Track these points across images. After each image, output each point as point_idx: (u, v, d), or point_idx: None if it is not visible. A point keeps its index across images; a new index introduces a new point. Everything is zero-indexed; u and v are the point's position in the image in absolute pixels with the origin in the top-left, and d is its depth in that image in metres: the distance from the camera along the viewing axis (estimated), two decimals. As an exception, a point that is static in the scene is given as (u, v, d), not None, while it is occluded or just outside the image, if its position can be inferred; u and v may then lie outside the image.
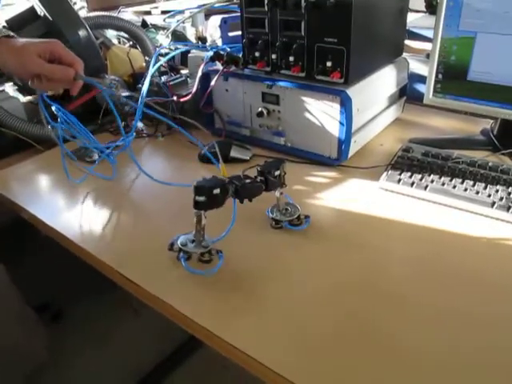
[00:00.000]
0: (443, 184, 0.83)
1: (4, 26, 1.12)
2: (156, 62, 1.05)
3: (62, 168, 0.99)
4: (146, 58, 1.28)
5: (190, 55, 1.17)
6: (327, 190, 0.86)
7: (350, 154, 0.93)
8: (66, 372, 1.33)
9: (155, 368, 1.37)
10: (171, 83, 1.11)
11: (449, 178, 0.84)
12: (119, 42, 1.46)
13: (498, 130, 0.99)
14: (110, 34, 1.42)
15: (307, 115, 0.92)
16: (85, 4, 1.59)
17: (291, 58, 0.90)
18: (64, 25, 1.13)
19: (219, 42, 1.18)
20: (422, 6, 1.50)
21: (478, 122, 1.08)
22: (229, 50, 1.08)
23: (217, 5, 0.92)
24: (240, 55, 0.98)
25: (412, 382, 0.51)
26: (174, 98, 1.02)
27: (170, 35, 1.31)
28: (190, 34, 1.32)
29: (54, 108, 0.92)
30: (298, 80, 0.91)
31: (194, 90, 0.98)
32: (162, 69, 1.27)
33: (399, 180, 0.84)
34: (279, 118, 0.96)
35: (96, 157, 0.99)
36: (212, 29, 1.19)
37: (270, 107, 0.96)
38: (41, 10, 1.12)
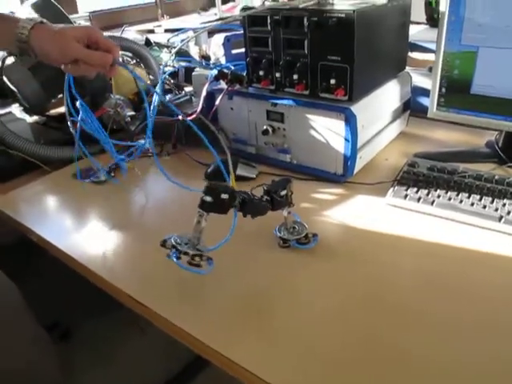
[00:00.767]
0: (450, 199, 0.83)
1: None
2: (162, 80, 1.06)
3: (69, 188, 1.00)
4: (151, 77, 1.29)
5: (194, 73, 1.18)
6: (334, 206, 0.86)
7: (356, 169, 0.93)
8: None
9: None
10: (176, 102, 1.13)
11: (455, 193, 0.84)
12: (123, 61, 1.47)
13: (503, 142, 0.99)
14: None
15: (312, 132, 0.92)
16: (89, 23, 1.61)
17: (295, 76, 0.91)
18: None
19: (223, 60, 1.19)
20: (422, 17, 1.51)
21: (483, 134, 1.08)
22: (233, 68, 1.09)
23: (220, 23, 0.93)
24: (244, 74, 0.99)
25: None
26: (180, 117, 1.02)
27: (173, 54, 1.32)
28: (194, 53, 1.33)
29: (78, 103, 0.94)
30: (302, 98, 0.92)
31: (199, 109, 0.98)
32: (166, 87, 1.28)
33: (406, 196, 0.85)
34: (284, 136, 0.97)
35: (102, 177, 1.00)
36: (215, 47, 1.20)
37: (275, 125, 0.97)
38: (46, 33, 1.14)
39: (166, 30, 1.52)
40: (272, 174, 0.97)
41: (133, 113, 1.18)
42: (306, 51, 0.88)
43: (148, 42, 1.50)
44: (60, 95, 1.30)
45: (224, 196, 0.63)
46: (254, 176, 0.96)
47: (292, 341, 0.59)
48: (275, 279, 0.70)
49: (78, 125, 0.94)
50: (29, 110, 1.30)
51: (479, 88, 0.93)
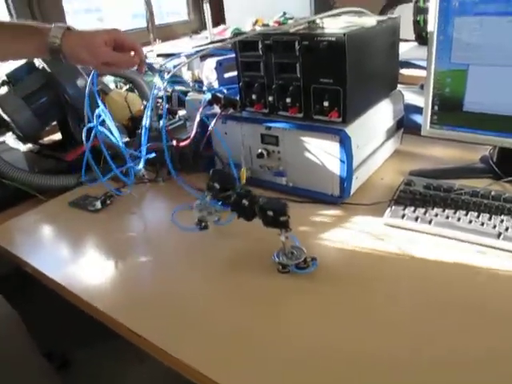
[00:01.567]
0: (447, 217, 0.82)
1: (4, 80, 1.14)
2: (153, 106, 1.06)
3: (65, 217, 0.99)
4: (144, 103, 1.29)
5: (187, 98, 1.18)
6: (332, 229, 0.86)
7: (352, 190, 0.93)
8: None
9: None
10: (170, 127, 1.13)
11: (453, 211, 0.84)
12: (116, 86, 1.48)
13: (497, 157, 0.99)
14: (107, 78, 1.44)
15: (307, 155, 0.92)
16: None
17: (288, 100, 0.91)
18: (62, 75, 1.15)
19: (215, 84, 1.19)
20: (412, 34, 1.52)
21: (477, 150, 1.08)
22: (225, 91, 1.09)
23: (211, 47, 0.94)
24: (237, 98, 1.00)
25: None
26: (174, 142, 1.02)
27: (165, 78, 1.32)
28: (187, 77, 1.34)
29: (100, 108, 0.97)
30: (296, 121, 0.92)
31: (193, 134, 0.98)
32: (160, 112, 1.28)
33: (403, 215, 0.84)
34: (279, 159, 0.97)
35: (99, 205, 0.99)
36: (208, 71, 1.21)
37: (270, 148, 0.97)
38: (40, 63, 1.14)
39: (159, 55, 1.53)
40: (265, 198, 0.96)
41: (127, 139, 1.18)
42: (299, 75, 0.88)
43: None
44: (53, 122, 1.31)
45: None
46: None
47: (294, 372, 0.58)
48: (275, 307, 0.69)
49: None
50: (22, 139, 1.30)
51: (471, 105, 0.93)
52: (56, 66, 1.13)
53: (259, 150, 0.97)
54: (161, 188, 1.08)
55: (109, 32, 0.83)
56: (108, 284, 0.78)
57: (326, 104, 0.88)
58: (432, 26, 0.91)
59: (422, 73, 1.32)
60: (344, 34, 0.81)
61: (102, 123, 1.00)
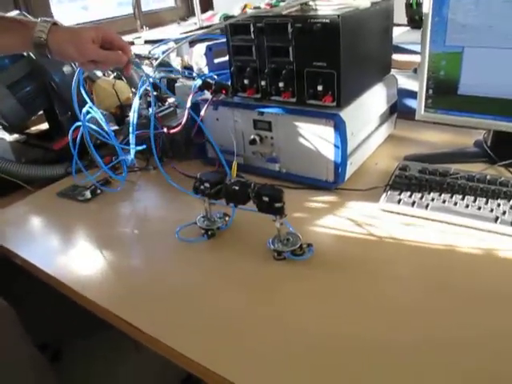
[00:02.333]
0: (444, 201, 0.82)
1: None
2: (141, 93, 1.03)
3: (54, 208, 0.97)
4: (133, 90, 1.26)
5: (177, 84, 1.16)
6: (327, 215, 0.85)
7: (347, 176, 0.91)
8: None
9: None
10: (160, 115, 1.10)
11: (449, 195, 0.83)
12: (104, 74, 1.44)
13: (492, 141, 0.99)
14: (94, 66, 1.41)
15: (301, 140, 0.91)
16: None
17: (281, 84, 0.90)
18: (49, 63, 1.12)
19: (205, 70, 1.17)
20: (403, 19, 1.51)
21: (470, 134, 1.07)
22: (216, 77, 1.07)
23: (202, 32, 0.92)
24: (229, 83, 0.97)
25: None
26: (165, 129, 1.00)
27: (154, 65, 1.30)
28: (176, 64, 1.31)
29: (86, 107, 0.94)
30: (289, 105, 0.90)
31: (184, 121, 0.96)
32: (149, 99, 1.25)
33: (399, 200, 0.83)
34: (272, 145, 0.95)
35: (88, 195, 0.97)
36: (197, 57, 1.18)
37: (263, 134, 0.95)
38: (24, 50, 1.11)
39: (146, 42, 1.50)
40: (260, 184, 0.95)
41: (116, 127, 1.15)
42: (291, 58, 0.87)
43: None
44: (40, 112, 1.27)
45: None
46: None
47: (291, 358, 0.57)
48: (272, 294, 0.68)
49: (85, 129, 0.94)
50: (8, 129, 1.27)
51: (466, 88, 0.92)
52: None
53: (252, 136, 0.95)
54: (152, 176, 1.06)
55: (97, 29, 0.80)
56: (100, 274, 0.76)
57: (319, 88, 0.86)
58: (427, 7, 0.89)
59: (414, 58, 1.31)
60: (338, 16, 0.79)
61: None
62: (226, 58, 1.14)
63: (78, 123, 0.95)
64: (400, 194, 0.85)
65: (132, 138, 0.90)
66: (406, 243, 0.75)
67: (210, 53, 1.15)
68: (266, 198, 0.70)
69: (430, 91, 0.97)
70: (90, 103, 0.94)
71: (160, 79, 1.28)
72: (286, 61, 0.87)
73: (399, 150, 1.04)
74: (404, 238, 0.77)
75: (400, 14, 1.49)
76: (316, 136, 0.88)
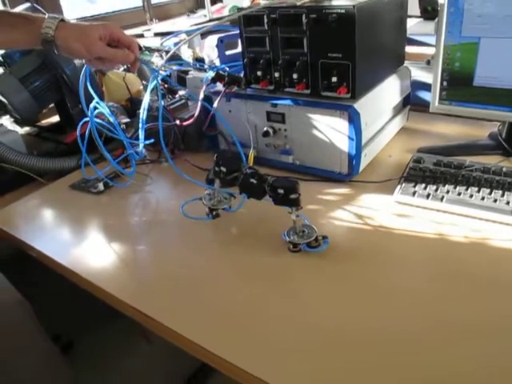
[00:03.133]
0: (459, 194, 0.81)
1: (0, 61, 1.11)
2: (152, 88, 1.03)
3: (67, 200, 0.98)
4: (144, 82, 1.26)
5: (188, 76, 1.16)
6: (342, 207, 0.84)
7: (361, 168, 0.91)
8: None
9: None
10: (171, 107, 1.10)
11: (464, 187, 0.82)
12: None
13: (507, 133, 0.98)
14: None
15: (315, 132, 0.90)
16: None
17: (295, 76, 0.89)
18: (59, 55, 1.12)
19: (217, 62, 1.16)
20: (415, 11, 1.49)
21: (484, 126, 1.07)
22: (227, 69, 1.06)
23: (215, 24, 0.91)
24: (241, 75, 0.97)
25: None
26: (177, 122, 1.00)
27: (164, 57, 1.29)
28: (187, 56, 1.31)
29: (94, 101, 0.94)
30: (303, 97, 0.90)
31: (197, 113, 0.96)
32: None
33: (414, 192, 0.83)
34: (286, 137, 0.95)
35: (101, 187, 0.97)
36: (209, 49, 1.18)
37: (276, 126, 0.95)
38: (35, 42, 1.11)
39: (156, 34, 1.50)
40: (274, 177, 0.94)
41: (128, 120, 1.15)
42: (306, 49, 0.86)
43: (138, 47, 1.47)
44: (51, 105, 1.27)
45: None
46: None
47: (303, 348, 0.57)
48: (287, 285, 0.68)
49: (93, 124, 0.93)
50: (20, 122, 1.27)
51: (482, 80, 0.91)
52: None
53: (265, 128, 0.95)
54: (163, 169, 1.06)
55: (105, 26, 0.80)
56: (114, 266, 0.77)
57: (334, 79, 0.85)
58: (442, -3, 0.88)
59: (427, 50, 1.30)
60: (353, 6, 0.78)
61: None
62: (238, 50, 1.13)
63: (87, 118, 0.95)
64: (415, 187, 0.84)
65: (141, 134, 0.89)
66: (422, 235, 0.75)
67: (222, 45, 1.14)
68: (281, 190, 0.70)
69: (445, 83, 0.96)
70: (96, 98, 0.93)
71: (170, 73, 1.28)
72: (300, 52, 0.87)
73: (412, 142, 1.04)
74: (419, 230, 0.76)
75: (412, 5, 1.47)
76: (330, 128, 0.88)
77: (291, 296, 0.66)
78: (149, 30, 1.56)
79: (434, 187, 0.83)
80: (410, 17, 1.50)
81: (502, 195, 0.79)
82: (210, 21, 1.59)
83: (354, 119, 0.84)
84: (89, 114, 0.93)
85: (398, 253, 0.72)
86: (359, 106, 0.85)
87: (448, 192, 0.82)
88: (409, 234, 0.76)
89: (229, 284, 0.69)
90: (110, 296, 0.70)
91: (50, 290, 1.27)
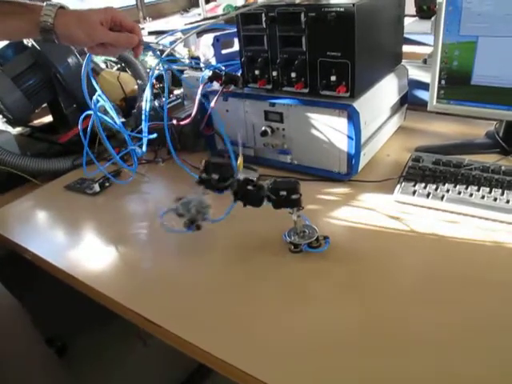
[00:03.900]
0: (459, 193, 0.81)
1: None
2: (151, 85, 1.02)
3: (62, 202, 0.96)
4: (139, 82, 1.25)
5: (184, 76, 1.14)
6: (342, 206, 0.84)
7: (360, 167, 0.90)
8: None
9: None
10: (167, 106, 1.09)
11: (464, 186, 0.82)
12: (107, 66, 1.43)
13: (504, 131, 0.98)
14: (98, 58, 1.39)
15: (313, 131, 0.89)
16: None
17: (293, 75, 0.88)
18: (53, 54, 1.11)
19: (213, 61, 1.15)
20: (411, 10, 1.49)
21: (481, 125, 1.07)
22: (223, 68, 1.06)
23: (213, 22, 0.90)
24: (239, 74, 0.96)
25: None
26: (174, 121, 0.99)
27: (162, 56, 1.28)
28: (183, 55, 1.29)
29: (96, 95, 0.92)
30: (301, 96, 0.89)
31: (194, 112, 0.95)
32: (155, 91, 1.24)
33: (414, 192, 0.82)
34: (284, 136, 0.94)
35: (97, 188, 0.96)
36: (204, 48, 1.17)
37: (274, 125, 0.94)
38: (28, 41, 1.09)
39: (150, 33, 1.48)
40: (273, 176, 0.93)
41: (123, 119, 1.14)
42: (304, 48, 0.85)
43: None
44: (44, 104, 1.26)
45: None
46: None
47: (303, 348, 0.57)
48: (288, 286, 0.67)
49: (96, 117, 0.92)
50: (12, 122, 1.25)
51: (480, 78, 0.91)
52: (46, 43, 1.08)
53: (263, 128, 0.94)
54: (160, 169, 1.05)
55: (106, 11, 0.77)
56: (109, 267, 0.76)
57: (333, 78, 0.85)
58: (441, -4, 0.88)
59: (423, 49, 1.30)
60: (353, 5, 0.77)
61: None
62: (234, 48, 1.12)
63: (88, 112, 0.93)
64: (414, 186, 0.84)
65: (144, 126, 0.88)
66: (421, 234, 0.75)
67: (218, 43, 1.13)
68: (283, 192, 0.69)
69: (443, 82, 0.96)
70: (99, 91, 0.92)
71: (166, 70, 1.26)
72: (299, 51, 0.86)
73: (410, 141, 1.03)
74: (419, 229, 0.76)
75: (408, 4, 1.47)
76: (329, 127, 0.87)
77: (292, 297, 0.65)
78: (143, 28, 1.55)
79: (434, 186, 0.83)
80: (407, 16, 1.50)
81: (502, 194, 0.79)
82: (205, 19, 1.57)
83: (353, 118, 0.83)
84: (92, 106, 0.91)
85: (399, 252, 0.72)
86: (358, 104, 0.84)
87: (448, 191, 0.81)
88: (410, 233, 0.75)
89: (228, 285, 0.68)
90: (106, 298, 0.70)
91: (44, 293, 1.26)
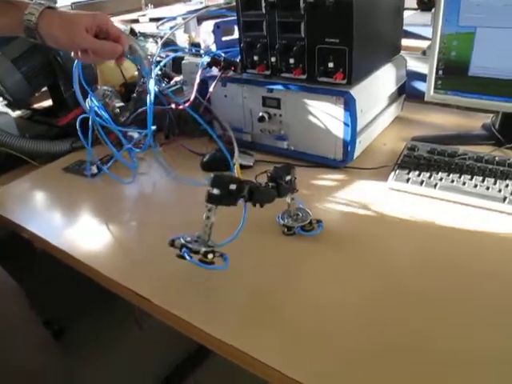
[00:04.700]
0: (452, 181, 0.82)
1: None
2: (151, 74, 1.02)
3: (60, 183, 0.97)
4: (139, 67, 1.25)
5: (183, 62, 1.15)
6: (336, 192, 0.85)
7: (356, 155, 0.91)
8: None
9: (165, 380, 1.34)
10: (166, 92, 1.09)
11: (457, 175, 0.83)
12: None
13: (500, 123, 0.98)
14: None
15: (310, 118, 0.90)
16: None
17: (291, 61, 0.89)
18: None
19: (213, 48, 1.16)
20: (413, 3, 1.49)
21: (477, 117, 1.08)
22: (223, 55, 1.06)
23: (212, 9, 0.90)
24: (237, 60, 0.97)
25: None
26: (172, 105, 0.99)
27: (160, 44, 1.29)
28: (184, 41, 1.30)
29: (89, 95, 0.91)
30: (299, 82, 0.90)
31: (192, 97, 0.95)
32: (156, 77, 1.24)
33: (408, 179, 0.83)
34: (281, 122, 0.95)
35: (95, 170, 0.96)
36: (205, 34, 1.17)
37: (271, 111, 0.94)
38: (29, 23, 1.09)
39: (152, 19, 1.48)
40: (269, 162, 0.95)
41: (122, 104, 1.14)
42: (303, 34, 0.86)
43: (133, 32, 1.45)
44: (44, 88, 1.26)
45: (232, 187, 0.60)
46: (252, 164, 0.94)
47: (299, 327, 0.58)
48: (282, 268, 0.68)
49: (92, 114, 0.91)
50: (12, 104, 1.26)
51: (477, 69, 0.92)
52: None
53: (260, 114, 0.95)
54: (159, 153, 1.05)
55: (93, 17, 0.74)
56: (107, 247, 0.77)
57: (330, 65, 0.85)
58: (440, -14, 0.88)
59: (423, 43, 1.31)
60: (351, -9, 0.78)
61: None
62: (234, 36, 1.13)
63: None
64: (409, 173, 0.85)
65: (149, 119, 0.88)
66: (413, 221, 0.76)
67: (218, 30, 1.13)
68: (288, 177, 0.69)
69: (440, 72, 0.96)
70: (90, 93, 0.92)
71: (166, 57, 1.27)
72: (298, 37, 0.86)
73: (407, 131, 1.04)
74: (411, 216, 0.77)
75: (408, -3, 1.48)
76: (325, 113, 0.88)
77: (285, 278, 0.66)
78: (144, 15, 1.55)
79: (428, 174, 0.84)
80: (407, 9, 1.51)
81: (495, 183, 0.80)
82: (207, 7, 1.58)
83: (349, 105, 0.84)
84: (87, 108, 0.91)
85: (391, 238, 0.73)
86: (355, 92, 0.85)
87: (441, 179, 0.82)
88: (402, 220, 0.76)
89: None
90: (103, 276, 0.70)
91: (43, 276, 1.27)
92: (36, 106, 1.38)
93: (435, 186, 0.81)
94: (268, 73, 0.94)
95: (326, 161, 0.92)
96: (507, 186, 0.79)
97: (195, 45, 1.29)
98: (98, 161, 0.97)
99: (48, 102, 1.36)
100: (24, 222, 0.85)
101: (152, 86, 0.89)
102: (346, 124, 0.86)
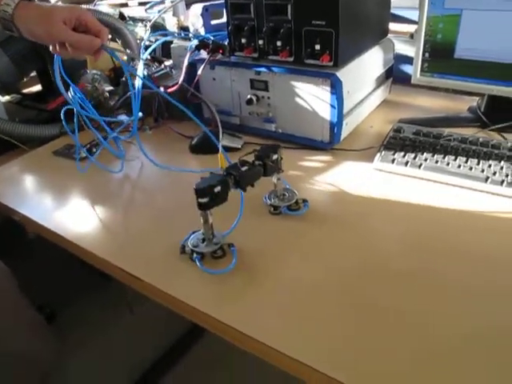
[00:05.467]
0: (437, 162, 0.83)
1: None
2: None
3: (51, 167, 0.97)
4: (128, 52, 1.25)
5: (172, 46, 1.15)
6: (322, 173, 0.86)
7: (342, 136, 0.92)
8: (64, 374, 1.32)
9: (154, 364, 1.36)
10: (155, 75, 1.10)
11: (442, 156, 0.84)
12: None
13: (485, 106, 1.00)
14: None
15: (297, 100, 0.91)
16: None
17: (279, 43, 0.89)
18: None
19: (202, 31, 1.16)
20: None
21: (464, 100, 1.09)
22: (212, 38, 1.06)
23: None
24: (225, 43, 0.97)
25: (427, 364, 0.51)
26: (161, 89, 1.00)
27: (149, 27, 1.28)
28: (172, 25, 1.30)
29: (71, 88, 0.91)
30: (286, 65, 0.90)
31: (181, 80, 0.96)
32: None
33: (393, 160, 0.85)
34: (269, 105, 0.95)
35: (84, 155, 0.97)
36: (194, 18, 1.17)
37: (259, 94, 0.95)
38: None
39: (140, 3, 1.48)
40: (257, 144, 0.96)
41: (111, 88, 1.14)
42: (290, 17, 0.86)
43: (122, 17, 1.45)
44: (32, 73, 1.26)
45: (217, 189, 0.62)
46: (240, 146, 0.95)
47: (286, 304, 0.59)
48: (268, 245, 0.69)
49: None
50: (1, 89, 1.25)
51: (463, 52, 0.93)
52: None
53: (248, 96, 0.95)
54: (148, 136, 1.06)
55: (71, 9, 0.72)
56: (100, 229, 0.77)
57: (317, 47, 0.86)
58: (426, -33, 0.89)
59: (410, 27, 1.31)
60: (337, -27, 0.78)
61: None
62: (223, 19, 1.13)
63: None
64: (394, 154, 0.86)
65: (135, 106, 0.88)
66: (398, 201, 0.77)
67: (207, 13, 1.13)
68: (275, 156, 0.70)
69: (427, 55, 0.97)
70: (72, 86, 0.91)
71: (155, 41, 1.26)
72: (285, 19, 0.87)
73: (394, 114, 1.05)
74: (396, 196, 0.78)
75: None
76: (312, 96, 0.89)
77: (271, 256, 0.67)
78: (133, -1, 1.54)
79: (413, 155, 0.85)
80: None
81: (478, 163, 0.82)
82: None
83: (336, 87, 0.85)
84: (71, 101, 0.90)
85: (375, 216, 0.74)
86: (342, 74, 0.86)
87: (426, 160, 0.84)
88: (387, 200, 0.78)
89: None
90: (95, 257, 0.71)
91: (36, 261, 1.28)
92: (25, 90, 1.38)
93: (420, 166, 0.83)
94: (256, 55, 0.94)
95: (314, 143, 0.93)
96: (490, 166, 0.81)
97: (184, 28, 1.28)
98: (84, 148, 0.97)
99: (37, 87, 1.36)
100: (15, 205, 0.85)
101: (140, 71, 0.89)
102: (332, 106, 0.87)
